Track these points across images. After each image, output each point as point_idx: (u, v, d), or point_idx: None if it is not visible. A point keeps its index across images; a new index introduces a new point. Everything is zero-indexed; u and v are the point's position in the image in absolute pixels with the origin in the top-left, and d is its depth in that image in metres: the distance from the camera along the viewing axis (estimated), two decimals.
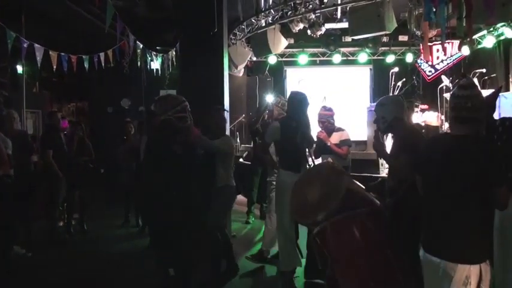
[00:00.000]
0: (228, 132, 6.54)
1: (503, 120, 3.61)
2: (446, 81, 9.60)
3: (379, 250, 3.17)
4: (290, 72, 13.67)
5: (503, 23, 8.80)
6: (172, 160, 3.90)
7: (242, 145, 11.42)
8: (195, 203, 4.03)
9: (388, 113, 3.70)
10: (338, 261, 3.25)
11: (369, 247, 3.16)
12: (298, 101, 5.01)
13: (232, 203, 5.75)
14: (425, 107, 10.28)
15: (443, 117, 9.72)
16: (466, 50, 9.92)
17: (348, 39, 11.58)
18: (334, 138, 5.80)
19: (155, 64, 11.17)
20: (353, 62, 12.83)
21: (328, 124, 5.87)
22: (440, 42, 10.41)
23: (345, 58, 12.56)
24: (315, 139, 5.52)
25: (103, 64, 9.20)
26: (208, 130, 5.24)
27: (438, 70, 10.95)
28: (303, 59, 12.57)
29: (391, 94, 10.01)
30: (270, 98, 7.60)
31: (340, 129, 5.93)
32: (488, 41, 9.69)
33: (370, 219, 3.19)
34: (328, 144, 5.72)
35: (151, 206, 4.30)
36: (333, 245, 3.21)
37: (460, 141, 2.62)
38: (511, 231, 3.44)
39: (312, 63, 13.01)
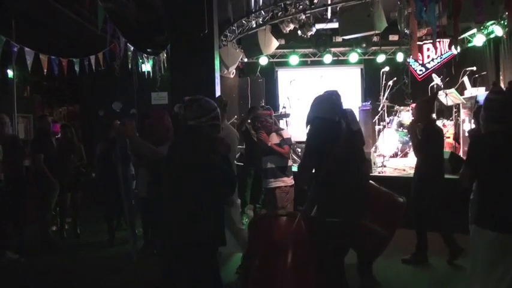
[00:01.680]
0: None
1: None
2: (437, 80, 9.64)
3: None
4: (281, 73, 13.72)
5: (492, 21, 8.86)
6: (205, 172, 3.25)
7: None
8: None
9: (310, 112, 3.89)
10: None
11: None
12: (321, 101, 4.87)
13: None
14: None
15: (434, 115, 9.75)
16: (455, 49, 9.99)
17: (339, 39, 11.64)
18: (275, 138, 5.75)
19: (146, 66, 11.16)
20: (344, 62, 12.88)
21: (266, 124, 5.81)
22: (431, 41, 10.49)
23: (335, 58, 12.64)
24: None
25: (94, 67, 9.16)
26: (154, 133, 5.05)
27: (429, 69, 11.03)
28: (294, 59, 12.61)
29: (383, 94, 10.06)
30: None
31: (279, 129, 5.93)
32: (478, 39, 9.76)
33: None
34: (269, 144, 5.65)
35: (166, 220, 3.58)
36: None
37: (499, 135, 3.15)
38: None
39: (303, 64, 13.06)
